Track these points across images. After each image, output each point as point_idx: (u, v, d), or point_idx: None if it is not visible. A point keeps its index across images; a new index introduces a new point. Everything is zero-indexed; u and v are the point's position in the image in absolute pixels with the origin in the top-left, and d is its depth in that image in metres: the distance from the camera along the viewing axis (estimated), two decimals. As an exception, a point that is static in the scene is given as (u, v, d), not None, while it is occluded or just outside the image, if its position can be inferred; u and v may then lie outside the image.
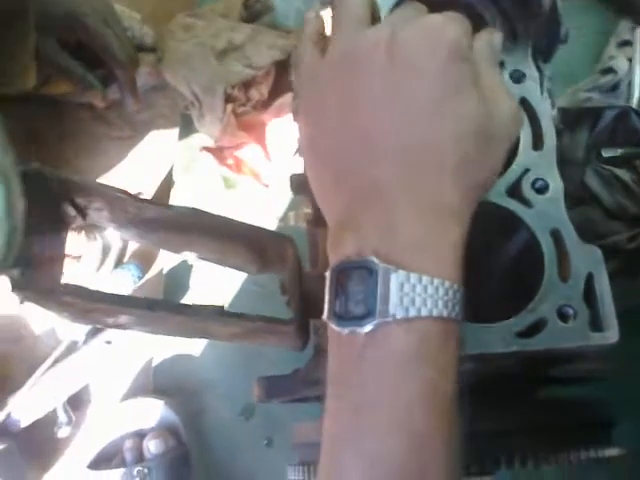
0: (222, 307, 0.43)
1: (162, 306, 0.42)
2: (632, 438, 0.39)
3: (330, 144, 0.29)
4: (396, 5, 0.40)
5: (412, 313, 0.25)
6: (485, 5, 0.41)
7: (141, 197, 0.44)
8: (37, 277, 0.36)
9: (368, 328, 0.26)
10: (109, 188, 0.42)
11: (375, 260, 0.26)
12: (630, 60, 0.67)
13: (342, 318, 0.26)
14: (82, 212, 0.42)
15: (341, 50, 0.30)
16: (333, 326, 0.27)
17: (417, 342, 0.26)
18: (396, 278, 0.25)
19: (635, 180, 0.59)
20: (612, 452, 0.38)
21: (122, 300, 0.40)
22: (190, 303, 0.44)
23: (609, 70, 0.67)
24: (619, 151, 0.61)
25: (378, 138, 0.28)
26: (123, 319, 0.41)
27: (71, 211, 0.41)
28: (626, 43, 0.68)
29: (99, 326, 0.44)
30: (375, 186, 0.28)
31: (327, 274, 0.28)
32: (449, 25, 0.29)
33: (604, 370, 0.37)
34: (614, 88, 0.66)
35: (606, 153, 0.61)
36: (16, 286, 0.34)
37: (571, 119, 0.61)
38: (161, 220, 0.45)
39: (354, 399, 0.27)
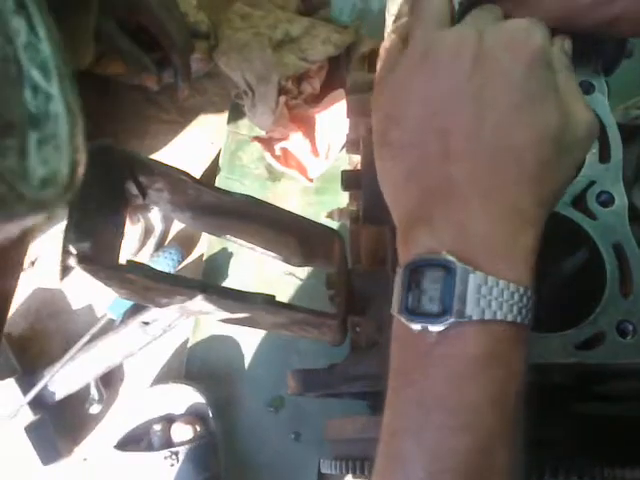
0: (273, 297, 0.44)
1: (214, 290, 0.42)
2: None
3: (406, 139, 0.29)
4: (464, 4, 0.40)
5: (488, 316, 0.26)
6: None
7: (200, 181, 0.44)
8: (100, 253, 0.37)
9: (442, 326, 0.26)
10: (172, 169, 0.42)
11: (453, 259, 0.26)
12: (685, 80, 0.67)
13: (413, 313, 0.27)
14: (143, 191, 0.43)
15: (423, 48, 0.30)
16: (403, 320, 0.27)
17: (491, 344, 0.26)
18: (474, 279, 0.26)
19: (683, 200, 0.59)
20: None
21: (178, 281, 0.41)
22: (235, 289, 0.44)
23: (664, 88, 0.66)
24: (669, 171, 0.60)
25: (457, 138, 0.28)
26: (177, 299, 0.42)
27: (133, 189, 0.42)
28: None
29: (151, 305, 0.45)
30: (450, 185, 0.28)
31: (398, 269, 0.28)
32: (534, 31, 0.29)
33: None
34: (668, 107, 0.65)
35: (656, 172, 0.60)
36: (83, 260, 0.34)
37: (623, 136, 0.61)
38: (218, 205, 0.45)
39: (419, 394, 0.27)
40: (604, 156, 0.38)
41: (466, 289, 0.26)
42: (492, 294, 0.26)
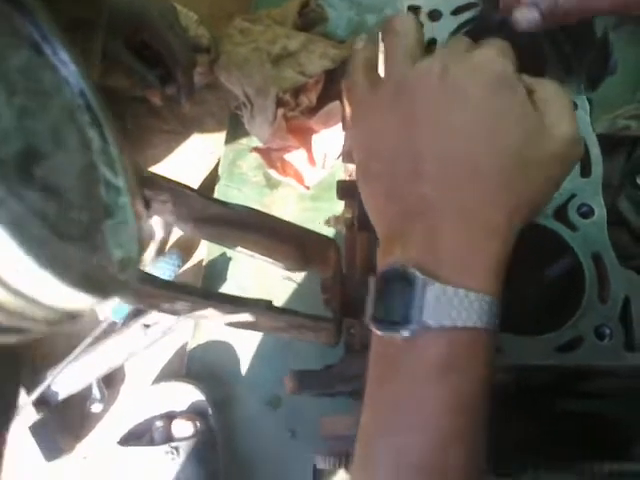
0: (271, 302, 0.46)
1: (216, 297, 0.45)
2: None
3: (382, 167, 0.32)
4: (452, 36, 0.43)
5: (446, 324, 0.28)
6: (541, 42, 0.44)
7: (204, 195, 0.46)
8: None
9: (404, 334, 0.28)
10: (176, 184, 0.44)
11: (415, 271, 0.28)
12: (668, 92, 0.69)
13: (382, 323, 0.29)
14: (147, 203, 0.45)
15: (395, 81, 0.32)
16: (372, 328, 0.29)
17: (448, 351, 0.28)
18: (433, 290, 0.28)
19: (665, 209, 0.61)
20: (631, 467, 0.40)
21: (181, 288, 0.43)
22: (235, 295, 0.46)
23: (648, 100, 0.69)
24: (653, 180, 0.62)
25: (428, 161, 0.30)
26: (179, 305, 0.44)
27: (139, 201, 0.44)
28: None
29: (152, 310, 0.47)
30: (423, 203, 0.30)
31: (371, 280, 0.30)
32: (496, 59, 0.31)
33: (633, 388, 0.39)
34: (652, 119, 0.68)
35: (640, 180, 0.62)
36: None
37: (609, 145, 0.63)
38: (220, 217, 0.47)
39: (389, 398, 0.30)
40: (585, 171, 0.40)
41: (425, 299, 0.28)
42: (451, 303, 0.28)
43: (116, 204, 0.24)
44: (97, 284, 0.20)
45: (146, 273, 0.40)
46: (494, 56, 0.31)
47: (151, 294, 0.41)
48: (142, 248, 0.25)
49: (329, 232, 0.54)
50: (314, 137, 0.69)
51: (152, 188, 0.44)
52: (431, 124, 0.30)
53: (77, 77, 0.24)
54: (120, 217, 0.24)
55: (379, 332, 0.29)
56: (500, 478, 0.39)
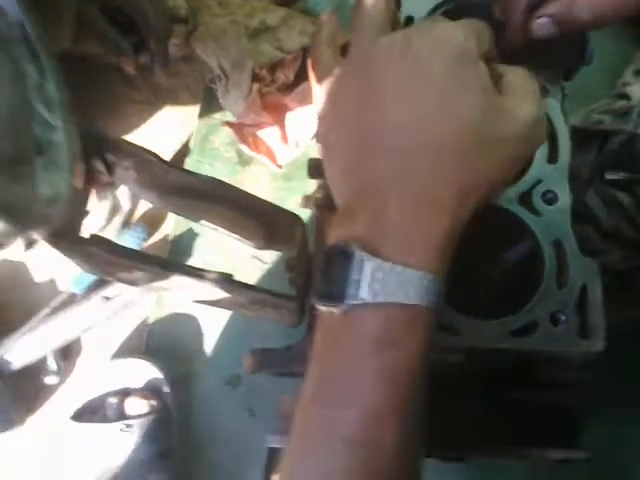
0: (231, 275, 0.45)
1: (174, 267, 0.44)
2: (598, 443, 0.41)
3: (340, 140, 0.32)
4: (429, 15, 0.42)
5: (381, 299, 0.28)
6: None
7: (168, 162, 0.45)
8: (65, 226, 0.38)
9: (341, 309, 0.28)
10: (140, 149, 0.43)
11: (354, 247, 0.28)
12: (644, 89, 0.69)
13: (323, 297, 0.29)
14: (110, 169, 0.44)
15: (358, 55, 0.32)
16: (315, 303, 0.29)
17: (384, 326, 0.28)
18: (370, 265, 0.28)
19: (633, 205, 0.62)
20: (576, 454, 0.41)
21: (139, 256, 0.42)
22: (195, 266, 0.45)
23: (623, 96, 0.69)
24: (622, 175, 0.63)
25: (380, 135, 0.30)
26: (137, 275, 0.43)
27: (100, 166, 0.43)
28: (642, 71, 0.71)
29: (111, 279, 0.46)
30: (374, 179, 0.30)
31: (319, 255, 0.30)
32: (458, 31, 0.31)
33: (583, 377, 0.39)
34: (626, 114, 0.68)
35: (609, 175, 0.63)
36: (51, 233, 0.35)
37: (581, 138, 0.63)
38: (184, 186, 0.46)
39: (325, 371, 0.30)
40: (552, 157, 0.40)
41: (362, 274, 0.28)
42: (387, 278, 0.28)
43: (49, 142, 0.24)
44: (12, 212, 0.20)
45: (103, 237, 0.39)
46: (458, 31, 0.31)
47: (107, 260, 0.40)
48: (73, 190, 0.24)
49: (302, 213, 0.53)
50: (289, 115, 0.68)
51: (115, 153, 0.42)
52: (390, 97, 0.30)
53: (15, 8, 0.23)
54: (53, 156, 0.24)
55: (321, 307, 0.29)
56: (451, 462, 0.39)
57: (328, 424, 0.29)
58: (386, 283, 0.28)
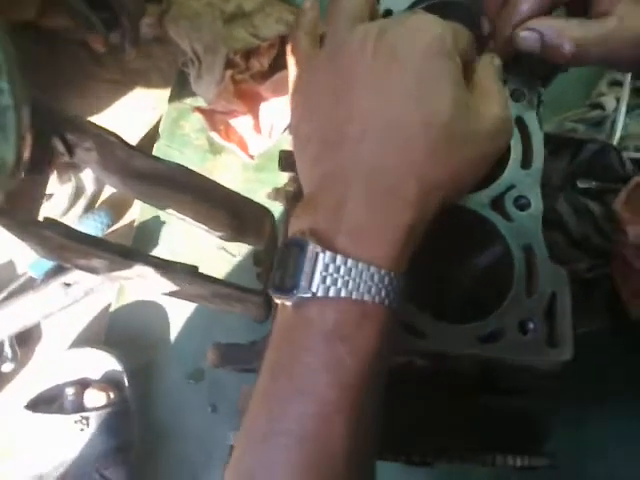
0: (196, 267, 0.44)
1: (136, 256, 0.42)
2: (561, 450, 0.41)
3: (311, 130, 0.31)
4: (408, 9, 0.41)
5: (332, 293, 0.27)
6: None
7: (130, 145, 0.43)
8: (19, 207, 0.36)
9: (293, 301, 0.28)
10: (102, 129, 0.41)
11: (307, 239, 0.28)
12: (618, 100, 0.70)
13: (276, 289, 0.28)
14: (71, 150, 0.42)
15: (333, 44, 0.32)
16: (271, 295, 0.29)
17: (332, 320, 0.28)
18: (322, 258, 0.27)
19: (603, 214, 0.62)
20: (539, 462, 0.41)
21: (97, 243, 0.40)
22: (158, 257, 0.44)
23: (597, 105, 0.70)
24: (594, 184, 0.63)
25: (354, 126, 0.29)
26: (95, 262, 0.41)
27: (60, 147, 0.41)
28: (617, 83, 0.71)
29: (68, 266, 0.44)
30: (340, 170, 0.29)
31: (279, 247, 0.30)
32: (433, 24, 0.31)
33: (551, 385, 0.39)
34: (599, 124, 0.69)
35: (581, 184, 0.63)
36: (-1, 212, 0.34)
37: (554, 145, 0.64)
38: (149, 172, 0.45)
39: (275, 364, 0.29)
40: (526, 162, 0.40)
41: (314, 267, 0.27)
42: (339, 272, 0.27)
43: None
44: None
45: (57, 221, 0.37)
46: (435, 23, 0.31)
47: (62, 245, 0.38)
48: (20, 158, 0.23)
49: (271, 205, 0.52)
50: (262, 104, 0.66)
51: (75, 132, 0.40)
52: (362, 86, 0.29)
53: None
54: None
55: (275, 299, 0.29)
56: (416, 467, 0.39)
57: (274, 417, 0.28)
58: (338, 277, 0.27)
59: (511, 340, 0.35)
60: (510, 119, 0.32)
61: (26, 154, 0.23)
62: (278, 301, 0.29)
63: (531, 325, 0.35)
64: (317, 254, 0.27)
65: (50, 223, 0.36)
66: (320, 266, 0.27)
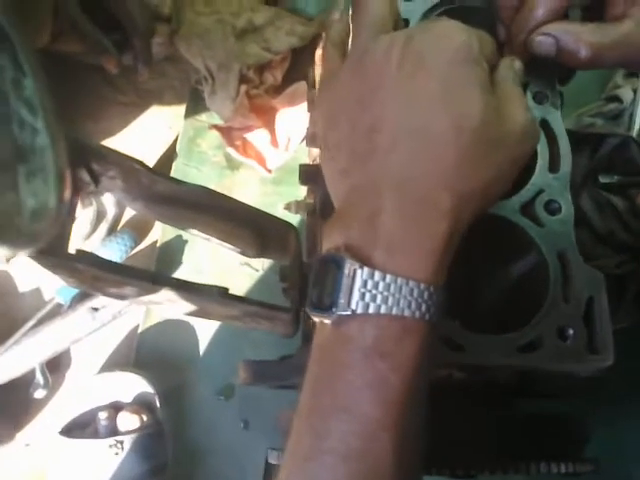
0: (226, 289, 0.44)
1: (166, 281, 0.42)
2: (603, 455, 0.41)
3: (340, 139, 0.31)
4: (423, 18, 0.41)
5: (372, 310, 0.27)
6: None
7: (155, 170, 0.43)
8: (50, 242, 0.36)
9: (332, 319, 0.27)
10: (126, 158, 0.41)
11: (344, 255, 0.27)
12: (635, 91, 0.69)
13: (315, 307, 0.28)
14: (96, 179, 0.42)
15: (358, 54, 0.31)
16: (309, 313, 0.29)
17: (372, 337, 0.27)
18: (361, 274, 0.27)
19: (627, 208, 0.61)
20: (584, 468, 0.40)
21: (129, 271, 0.40)
22: (188, 280, 0.44)
23: (614, 98, 0.69)
24: (616, 178, 0.62)
25: (383, 135, 0.29)
26: (126, 290, 0.41)
27: (85, 177, 0.41)
28: (633, 74, 0.70)
29: (97, 294, 0.44)
30: (371, 182, 0.29)
31: (313, 263, 0.30)
32: (459, 30, 0.31)
33: (588, 386, 0.39)
34: (617, 116, 0.68)
35: (603, 179, 0.62)
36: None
37: (574, 142, 0.63)
38: (172, 195, 0.45)
39: (317, 382, 0.29)
40: (554, 166, 0.39)
41: (353, 284, 0.27)
42: (378, 288, 0.27)
43: (32, 147, 0.21)
44: None
45: (90, 253, 0.37)
46: (461, 29, 0.30)
47: (95, 276, 0.38)
48: (62, 201, 0.23)
49: (290, 218, 0.51)
50: (278, 118, 0.66)
51: (100, 162, 0.40)
52: (391, 95, 0.29)
53: None
54: (37, 163, 0.21)
55: (314, 317, 0.28)
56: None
57: (318, 435, 0.28)
58: (377, 293, 0.27)
59: (551, 348, 0.35)
60: (535, 122, 0.32)
61: (67, 194, 0.23)
62: (316, 319, 0.29)
63: (570, 331, 0.35)
64: (355, 271, 0.27)
65: (82, 256, 0.36)
66: (358, 283, 0.27)
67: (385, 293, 0.27)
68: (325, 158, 0.32)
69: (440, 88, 0.29)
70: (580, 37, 0.35)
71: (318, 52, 0.56)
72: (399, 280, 0.27)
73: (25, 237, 0.21)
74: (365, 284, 0.27)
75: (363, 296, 0.27)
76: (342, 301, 0.27)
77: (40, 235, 0.22)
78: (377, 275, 0.27)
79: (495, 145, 0.29)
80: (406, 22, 0.41)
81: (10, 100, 0.21)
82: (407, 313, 0.27)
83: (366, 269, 0.27)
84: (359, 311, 0.27)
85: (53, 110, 0.23)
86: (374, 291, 0.27)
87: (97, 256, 0.37)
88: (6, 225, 0.19)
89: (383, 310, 0.27)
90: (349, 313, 0.27)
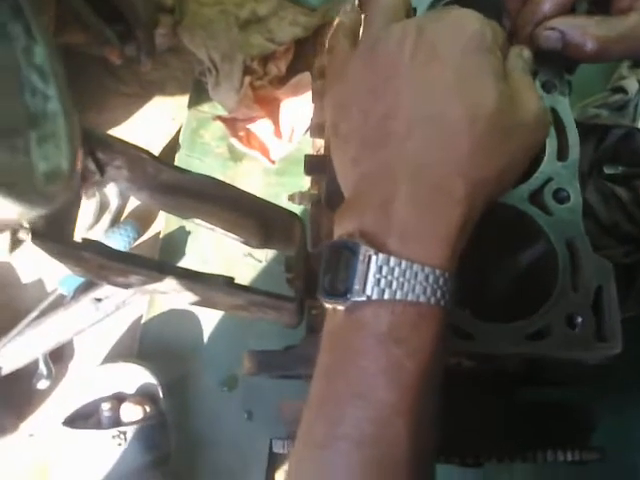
0: (232, 279, 0.44)
1: (172, 270, 0.42)
2: (608, 441, 0.41)
3: (352, 128, 0.31)
4: (431, 6, 0.41)
5: (387, 296, 0.27)
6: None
7: (161, 160, 0.43)
8: (56, 229, 0.36)
9: (346, 305, 0.27)
10: (132, 147, 0.41)
11: (358, 241, 0.27)
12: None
13: (328, 293, 0.28)
14: (102, 168, 0.42)
15: (370, 42, 0.31)
16: (321, 299, 0.29)
17: (387, 323, 0.27)
18: (376, 261, 0.27)
19: (632, 199, 0.61)
20: (590, 456, 0.40)
21: (135, 260, 0.40)
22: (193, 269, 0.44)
23: (619, 89, 0.68)
24: (620, 169, 0.62)
25: (395, 123, 0.29)
26: (132, 279, 0.41)
27: (92, 166, 0.41)
28: (638, 65, 0.70)
29: (103, 282, 0.44)
30: (384, 169, 0.29)
31: (324, 249, 0.29)
32: (473, 19, 0.31)
33: (595, 373, 0.39)
34: (622, 108, 0.68)
35: (608, 170, 0.62)
36: (38, 236, 0.33)
37: (579, 133, 0.63)
38: (177, 185, 0.45)
39: (330, 369, 0.29)
40: (562, 154, 0.39)
41: (368, 270, 0.27)
42: (393, 274, 0.27)
43: (44, 114, 0.22)
44: (13, 186, 0.18)
45: (96, 241, 0.37)
46: (473, 17, 0.30)
47: (101, 265, 0.38)
48: (74, 166, 0.23)
49: (294, 209, 0.51)
50: (282, 109, 0.66)
51: (106, 151, 0.40)
52: (405, 83, 0.29)
53: None
54: (48, 128, 0.22)
55: (326, 304, 0.28)
56: (469, 467, 0.38)
57: (332, 422, 0.28)
58: (392, 279, 0.27)
59: (559, 336, 0.35)
60: (547, 110, 0.32)
61: (79, 165, 0.23)
62: (329, 306, 0.29)
63: (579, 319, 0.35)
64: (370, 257, 0.27)
65: (88, 244, 0.36)
66: (373, 269, 0.27)
67: (401, 279, 0.27)
68: (335, 147, 0.32)
69: (454, 77, 0.29)
70: (586, 31, 0.36)
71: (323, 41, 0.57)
72: (415, 266, 0.27)
73: (40, 196, 0.21)
74: (380, 270, 0.27)
75: (378, 282, 0.27)
76: (357, 287, 0.27)
77: (54, 196, 0.22)
78: (392, 261, 0.27)
79: (509, 133, 0.29)
80: (414, 11, 0.41)
81: (22, 68, 0.21)
82: (422, 299, 0.27)
83: (381, 255, 0.27)
84: (374, 297, 0.27)
85: (64, 77, 0.23)
86: (389, 277, 0.27)
87: (103, 244, 0.37)
88: (22, 183, 0.19)
89: (399, 296, 0.27)
90: (364, 299, 0.27)
